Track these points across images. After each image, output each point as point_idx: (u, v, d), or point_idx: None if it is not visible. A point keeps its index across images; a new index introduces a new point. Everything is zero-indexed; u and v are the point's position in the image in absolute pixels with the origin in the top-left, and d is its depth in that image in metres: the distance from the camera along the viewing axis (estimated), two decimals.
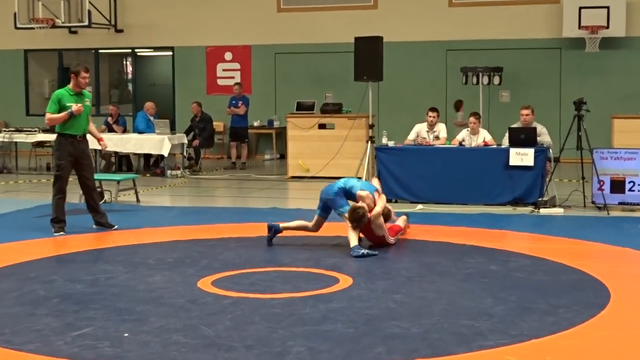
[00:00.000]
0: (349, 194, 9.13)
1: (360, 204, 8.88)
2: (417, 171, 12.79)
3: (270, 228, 9.35)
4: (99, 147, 10.58)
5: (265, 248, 9.14)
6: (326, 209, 9.22)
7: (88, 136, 10.41)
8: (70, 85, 10.21)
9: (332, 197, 9.08)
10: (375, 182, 9.83)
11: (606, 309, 6.54)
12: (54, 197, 10.24)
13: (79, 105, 10.05)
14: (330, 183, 9.43)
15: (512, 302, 6.75)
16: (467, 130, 13.21)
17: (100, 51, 23.22)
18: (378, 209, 8.96)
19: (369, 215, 8.83)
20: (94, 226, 10.49)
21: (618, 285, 7.30)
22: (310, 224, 9.38)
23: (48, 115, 10.10)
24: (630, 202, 11.95)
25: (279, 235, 9.35)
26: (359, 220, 8.74)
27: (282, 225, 9.39)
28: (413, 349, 5.52)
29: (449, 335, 5.84)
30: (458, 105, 18.75)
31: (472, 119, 13.12)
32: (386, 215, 9.19)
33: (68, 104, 10.02)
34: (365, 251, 8.61)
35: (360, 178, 9.31)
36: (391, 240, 9.15)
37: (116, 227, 10.42)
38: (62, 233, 10.11)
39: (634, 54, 18.84)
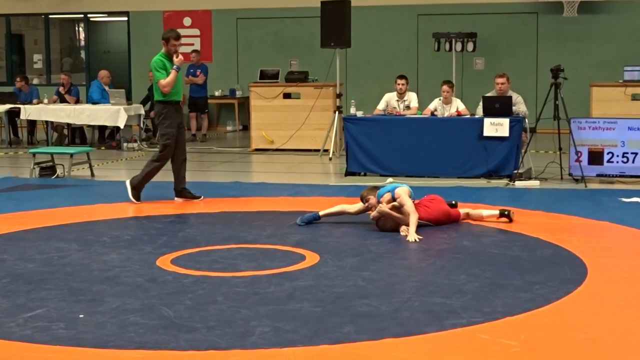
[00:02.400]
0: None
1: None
2: (387, 143, 12.82)
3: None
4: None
5: (227, 225, 9.14)
6: None
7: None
8: (164, 51, 10.48)
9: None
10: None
11: (583, 285, 6.62)
12: (154, 162, 10.58)
13: (180, 57, 10.39)
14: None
15: (486, 279, 6.83)
16: (440, 100, 13.25)
17: (50, 16, 22.99)
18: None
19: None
20: (175, 198, 10.68)
21: (595, 260, 7.40)
22: (351, 209, 9.22)
23: (162, 82, 10.33)
24: (609, 174, 12.08)
25: (245, 211, 9.36)
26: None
27: (321, 213, 9.23)
28: (382, 328, 5.57)
29: (420, 314, 5.90)
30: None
31: (444, 87, 13.16)
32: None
33: (169, 69, 10.36)
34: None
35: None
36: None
37: (202, 197, 10.60)
38: (136, 201, 10.51)
39: (614, 19, 18.96)
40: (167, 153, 10.54)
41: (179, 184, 10.68)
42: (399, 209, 8.67)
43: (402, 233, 8.43)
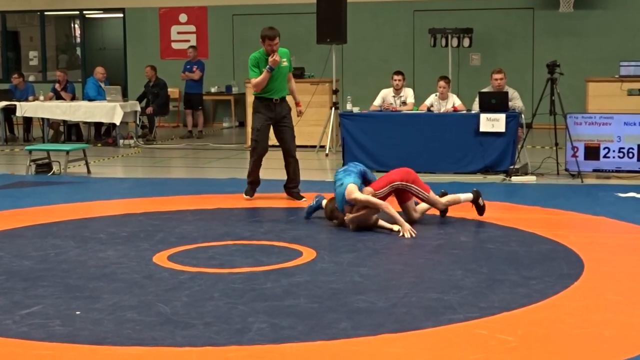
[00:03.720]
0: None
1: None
2: (383, 139, 12.83)
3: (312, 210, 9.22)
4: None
5: (223, 221, 9.15)
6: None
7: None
8: (264, 49, 10.35)
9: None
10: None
11: (579, 280, 6.63)
12: (250, 160, 10.48)
13: (275, 56, 10.16)
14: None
15: (483, 274, 6.83)
16: (436, 95, 13.25)
17: (46, 13, 22.97)
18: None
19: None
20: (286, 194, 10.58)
21: (592, 255, 7.41)
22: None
23: (253, 82, 10.24)
24: (605, 169, 12.09)
25: (242, 207, 9.34)
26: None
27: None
28: (379, 324, 5.57)
29: (417, 309, 5.90)
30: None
31: (441, 82, 13.15)
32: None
33: (262, 68, 10.23)
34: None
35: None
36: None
37: (304, 199, 10.32)
38: (248, 196, 10.39)
39: (610, 14, 18.96)
40: (256, 150, 10.39)
41: (288, 182, 10.57)
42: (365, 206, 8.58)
43: (394, 229, 8.39)
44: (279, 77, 10.32)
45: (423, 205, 9.04)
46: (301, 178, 10.57)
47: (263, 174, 10.39)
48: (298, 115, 10.73)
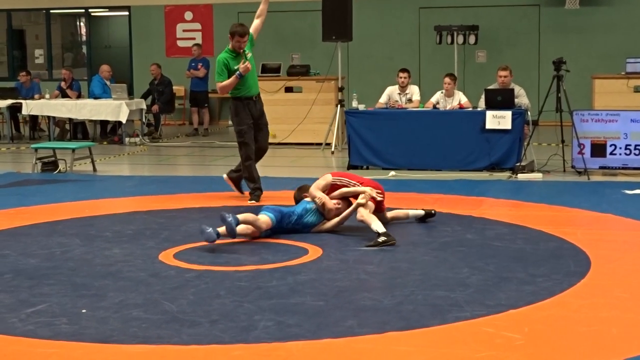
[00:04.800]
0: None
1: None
2: (389, 136, 12.81)
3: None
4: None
5: None
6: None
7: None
8: (230, 46, 10.15)
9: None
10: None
11: (586, 277, 6.61)
12: (243, 164, 10.28)
13: (245, 63, 9.97)
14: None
15: (489, 272, 6.81)
16: (442, 92, 13.22)
17: (51, 11, 22.98)
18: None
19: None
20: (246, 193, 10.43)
21: (599, 252, 7.39)
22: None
23: (219, 85, 10.07)
24: (612, 166, 12.06)
25: (248, 205, 9.28)
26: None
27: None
28: (385, 322, 5.56)
29: (423, 307, 5.89)
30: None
31: (446, 79, 13.12)
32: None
33: (235, 67, 9.99)
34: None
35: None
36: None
37: (244, 194, 10.36)
38: (253, 201, 10.14)
39: (616, 11, 18.93)
40: (245, 150, 10.26)
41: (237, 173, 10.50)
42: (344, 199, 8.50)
43: (361, 202, 8.16)
44: (251, 74, 10.20)
45: (398, 212, 8.94)
46: (307, 176, 10.57)
47: (269, 172, 10.39)
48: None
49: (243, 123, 10.21)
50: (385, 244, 7.69)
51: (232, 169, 10.62)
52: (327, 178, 8.58)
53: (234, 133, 10.49)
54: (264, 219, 8.13)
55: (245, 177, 10.34)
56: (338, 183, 8.55)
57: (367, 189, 8.27)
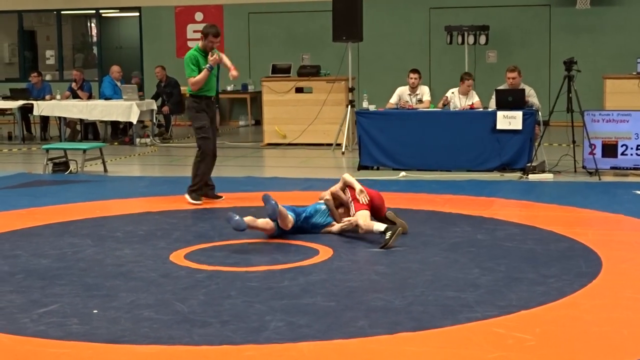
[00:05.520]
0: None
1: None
2: (399, 136, 12.80)
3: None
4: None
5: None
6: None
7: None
8: (200, 45, 10.25)
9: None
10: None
11: (598, 278, 6.60)
12: (198, 159, 10.22)
13: (214, 55, 10.11)
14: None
15: (500, 272, 6.81)
16: (453, 93, 13.17)
17: (62, 12, 23.04)
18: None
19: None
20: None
21: (610, 253, 7.37)
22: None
23: (192, 80, 10.10)
24: (623, 166, 12.03)
25: (259, 205, 9.19)
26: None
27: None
28: (396, 322, 5.56)
29: (434, 308, 5.88)
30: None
31: (468, 81, 13.03)
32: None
33: (202, 66, 10.12)
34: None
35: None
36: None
37: (223, 197, 10.35)
38: (199, 202, 10.10)
39: (627, 11, 18.88)
40: (207, 147, 10.26)
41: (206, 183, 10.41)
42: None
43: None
44: (212, 76, 10.30)
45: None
46: (317, 176, 10.56)
47: (279, 172, 10.38)
48: (232, 78, 10.43)
49: (204, 119, 10.25)
50: (397, 234, 7.70)
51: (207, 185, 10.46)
52: (343, 178, 8.55)
53: (194, 130, 10.43)
54: (290, 217, 8.20)
55: (193, 174, 10.22)
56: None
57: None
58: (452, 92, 13.20)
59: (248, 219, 7.98)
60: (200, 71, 10.11)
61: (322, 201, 8.51)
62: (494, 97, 12.74)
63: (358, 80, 18.07)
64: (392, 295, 6.19)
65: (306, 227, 8.33)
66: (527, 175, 11.88)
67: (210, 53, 10.16)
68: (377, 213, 8.37)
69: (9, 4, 22.37)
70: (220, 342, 5.25)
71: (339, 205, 8.48)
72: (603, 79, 16.21)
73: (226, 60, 10.36)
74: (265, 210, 8.00)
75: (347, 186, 8.46)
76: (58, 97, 17.83)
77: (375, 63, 20.03)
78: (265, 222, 8.10)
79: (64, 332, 5.48)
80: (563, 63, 12.16)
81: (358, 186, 8.33)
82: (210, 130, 10.27)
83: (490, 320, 5.59)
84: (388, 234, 7.72)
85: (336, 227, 8.37)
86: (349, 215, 8.32)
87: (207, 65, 10.10)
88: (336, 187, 8.55)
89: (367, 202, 8.23)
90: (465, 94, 13.10)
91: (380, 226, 7.89)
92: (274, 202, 7.95)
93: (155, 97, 18.45)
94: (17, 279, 6.82)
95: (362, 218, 8.10)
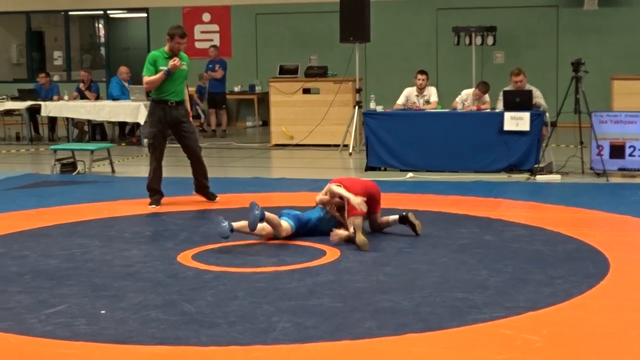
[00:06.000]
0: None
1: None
2: (407, 137, 12.79)
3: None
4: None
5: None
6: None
7: None
8: (166, 48, 10.02)
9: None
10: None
11: (605, 279, 6.59)
12: (150, 166, 10.09)
13: (175, 60, 9.85)
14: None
15: (508, 274, 6.80)
16: (464, 96, 13.15)
17: (70, 13, 23.08)
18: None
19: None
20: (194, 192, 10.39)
21: (618, 254, 7.35)
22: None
23: (145, 79, 9.92)
24: (631, 167, 12.01)
25: (266, 206, 9.22)
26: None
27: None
28: (404, 324, 5.55)
29: (442, 309, 5.88)
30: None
31: (479, 89, 13.03)
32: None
33: (162, 68, 9.86)
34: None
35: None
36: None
37: (218, 198, 10.29)
38: (154, 205, 9.97)
39: (635, 11, 18.84)
40: (152, 153, 10.02)
41: (199, 186, 10.35)
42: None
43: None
44: (177, 80, 9.96)
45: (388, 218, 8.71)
46: (325, 177, 10.54)
47: (287, 173, 10.38)
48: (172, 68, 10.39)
49: (153, 126, 10.00)
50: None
51: (197, 189, 10.41)
52: (328, 186, 8.41)
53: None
54: (285, 225, 8.15)
55: (149, 179, 10.08)
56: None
57: (356, 200, 8.09)
58: (466, 94, 13.17)
59: (239, 224, 7.95)
60: (157, 72, 9.86)
61: (321, 207, 8.43)
62: (501, 98, 12.72)
63: (365, 81, 18.06)
64: (400, 296, 6.19)
65: (312, 231, 8.33)
66: (535, 176, 11.86)
67: (174, 59, 9.89)
68: (372, 208, 8.33)
69: (17, 4, 22.40)
70: (227, 343, 5.25)
71: (341, 209, 8.37)
72: (611, 80, 16.18)
73: (186, 97, 10.19)
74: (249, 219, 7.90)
75: (339, 197, 8.24)
76: (66, 97, 17.86)
77: (383, 64, 20.03)
78: (260, 228, 8.06)
79: (72, 332, 5.49)
80: (571, 64, 12.15)
81: (350, 196, 8.05)
82: (158, 137, 9.94)
83: (498, 321, 5.59)
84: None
85: (342, 234, 8.17)
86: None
87: (166, 69, 9.81)
88: (322, 196, 8.39)
89: (365, 209, 8.15)
90: (479, 98, 13.08)
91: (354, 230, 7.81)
92: (257, 212, 7.84)
93: None
94: (25, 280, 6.83)
95: (358, 221, 7.99)
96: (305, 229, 8.29)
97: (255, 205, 7.87)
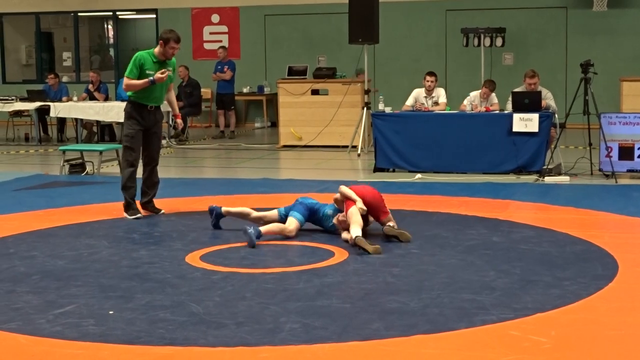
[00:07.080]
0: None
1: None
2: (415, 139, 12.79)
3: (211, 211, 8.80)
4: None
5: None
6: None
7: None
8: (155, 51, 9.45)
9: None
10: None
11: (614, 281, 6.57)
12: (122, 170, 9.66)
13: (163, 73, 9.36)
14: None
15: (516, 275, 6.79)
16: (472, 97, 13.13)
17: (79, 14, 23.12)
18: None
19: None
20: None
21: (626, 256, 7.34)
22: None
23: (126, 81, 9.42)
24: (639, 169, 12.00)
25: (274, 207, 9.24)
26: None
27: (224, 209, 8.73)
28: (412, 325, 5.55)
29: (450, 310, 5.88)
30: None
31: (486, 88, 13.01)
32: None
33: (149, 72, 9.40)
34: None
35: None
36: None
37: (163, 211, 9.74)
38: (137, 216, 9.48)
39: None
40: (128, 156, 9.55)
41: (143, 195, 9.80)
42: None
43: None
44: (159, 86, 9.49)
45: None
46: (333, 178, 10.53)
47: (295, 174, 10.38)
48: (175, 128, 10.15)
49: (131, 128, 9.53)
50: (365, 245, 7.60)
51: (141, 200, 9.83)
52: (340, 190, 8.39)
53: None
54: (292, 224, 8.18)
55: (122, 186, 9.54)
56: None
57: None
58: (473, 96, 13.15)
59: (264, 229, 8.12)
60: (142, 76, 9.34)
61: (336, 205, 8.44)
62: (510, 99, 12.71)
63: (374, 82, 18.07)
64: (408, 297, 6.19)
65: (324, 225, 8.42)
66: (543, 177, 11.84)
67: (163, 69, 9.40)
68: (374, 213, 8.32)
69: (26, 5, 22.45)
70: (235, 344, 5.25)
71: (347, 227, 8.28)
72: (620, 81, 16.16)
73: (173, 99, 9.96)
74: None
75: (345, 198, 8.23)
76: (75, 98, 17.90)
77: (392, 65, 20.03)
78: (279, 229, 8.21)
79: (80, 332, 5.50)
80: (580, 65, 12.12)
81: (357, 199, 8.08)
82: (136, 140, 9.53)
83: (506, 322, 5.58)
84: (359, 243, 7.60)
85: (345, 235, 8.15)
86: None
87: (151, 79, 9.29)
88: (337, 195, 8.41)
89: (364, 209, 8.09)
90: (486, 98, 13.06)
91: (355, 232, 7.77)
92: (251, 231, 7.88)
93: None
94: (33, 280, 6.84)
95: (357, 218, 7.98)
96: (316, 218, 8.39)
97: (246, 229, 7.93)
